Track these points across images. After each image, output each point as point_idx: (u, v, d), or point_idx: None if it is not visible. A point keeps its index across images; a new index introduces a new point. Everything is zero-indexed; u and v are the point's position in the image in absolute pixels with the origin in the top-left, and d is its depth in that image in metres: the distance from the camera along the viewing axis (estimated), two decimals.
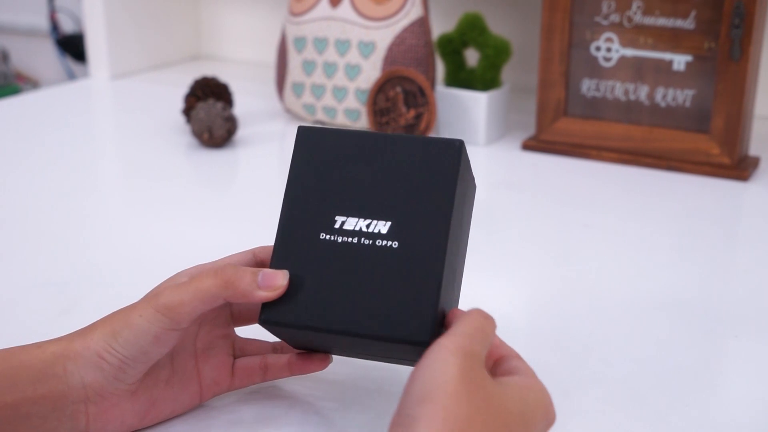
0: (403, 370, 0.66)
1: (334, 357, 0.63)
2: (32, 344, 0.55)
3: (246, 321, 0.61)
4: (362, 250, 0.55)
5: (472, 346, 0.47)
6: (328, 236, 0.56)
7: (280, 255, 0.56)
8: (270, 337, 0.63)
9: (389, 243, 0.55)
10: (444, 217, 0.55)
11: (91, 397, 0.54)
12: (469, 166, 0.59)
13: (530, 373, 0.52)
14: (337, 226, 0.56)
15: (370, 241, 0.55)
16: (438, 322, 0.54)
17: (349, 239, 0.55)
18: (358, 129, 0.58)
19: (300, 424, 0.59)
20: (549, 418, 0.49)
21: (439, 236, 0.54)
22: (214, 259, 0.60)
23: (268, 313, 0.55)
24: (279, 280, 0.55)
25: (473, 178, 0.61)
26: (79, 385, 0.53)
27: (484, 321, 0.51)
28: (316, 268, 0.55)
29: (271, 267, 0.56)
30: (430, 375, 0.44)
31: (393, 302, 0.53)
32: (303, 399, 0.62)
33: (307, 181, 0.58)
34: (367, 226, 0.55)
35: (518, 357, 0.53)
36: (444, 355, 0.46)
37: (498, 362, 0.53)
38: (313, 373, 0.63)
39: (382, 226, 0.55)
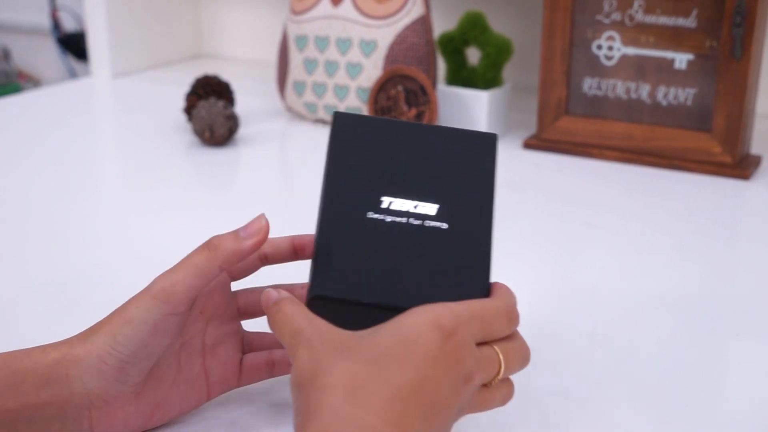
0: None
1: None
2: (34, 348, 0.54)
3: (253, 314, 0.61)
4: (412, 230, 0.56)
5: (302, 335, 0.49)
6: (376, 216, 0.56)
7: (327, 232, 0.56)
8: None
9: (439, 224, 0.56)
10: (488, 202, 0.57)
11: (95, 402, 0.53)
12: None
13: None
14: (384, 206, 0.57)
15: (420, 222, 0.56)
16: None
17: (398, 219, 0.56)
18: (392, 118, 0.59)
19: None
20: (443, 329, 0.48)
21: (484, 220, 0.56)
22: None
23: (320, 288, 0.54)
24: (258, 222, 0.55)
25: None
26: (81, 391, 0.53)
27: (282, 316, 0.52)
28: (366, 245, 0.55)
29: (316, 243, 0.55)
30: (292, 377, 0.48)
31: (446, 281, 0.54)
32: None
33: (348, 164, 0.58)
34: (415, 208, 0.57)
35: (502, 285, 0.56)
36: (292, 359, 0.49)
37: None
38: None
39: (430, 208, 0.57)
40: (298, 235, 0.60)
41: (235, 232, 0.55)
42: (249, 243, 0.55)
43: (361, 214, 0.56)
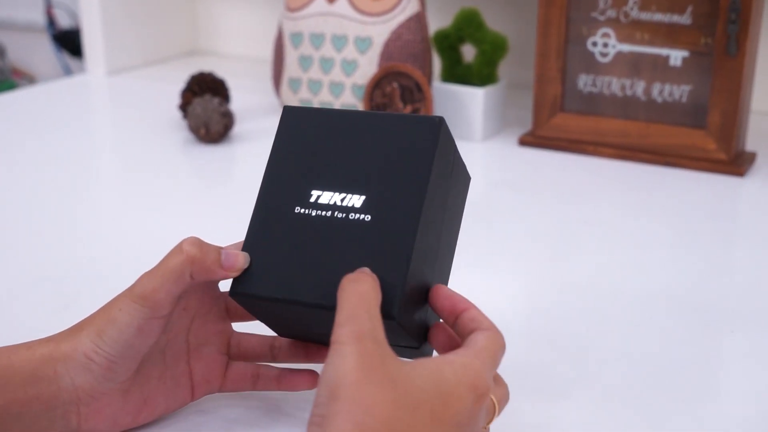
0: None
1: None
2: (20, 345, 0.54)
3: (243, 317, 0.61)
4: (335, 224, 0.55)
5: (361, 326, 0.46)
6: (302, 210, 0.56)
7: (255, 229, 0.56)
8: (269, 331, 0.63)
9: (362, 216, 0.54)
10: (419, 190, 0.54)
11: (83, 399, 0.54)
12: (454, 149, 0.58)
13: (486, 324, 0.52)
14: (312, 200, 0.56)
15: (344, 215, 0.55)
16: (410, 297, 0.53)
17: (323, 213, 0.55)
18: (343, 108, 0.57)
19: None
20: (477, 391, 0.48)
21: (412, 209, 0.54)
22: None
23: (237, 285, 0.55)
24: (240, 262, 0.55)
25: (464, 167, 0.61)
26: (69, 387, 0.53)
27: (360, 290, 0.48)
28: (289, 241, 0.55)
29: (245, 240, 0.56)
30: (332, 371, 0.44)
31: None
32: (285, 407, 0.62)
33: (287, 157, 0.58)
34: (342, 200, 0.55)
35: (474, 307, 0.53)
36: (337, 348, 0.45)
37: (459, 318, 0.53)
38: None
39: (356, 200, 0.55)
40: None
41: (218, 255, 0.54)
42: (222, 274, 0.55)
43: (289, 210, 0.56)
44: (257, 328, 0.63)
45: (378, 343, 0.46)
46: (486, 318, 0.53)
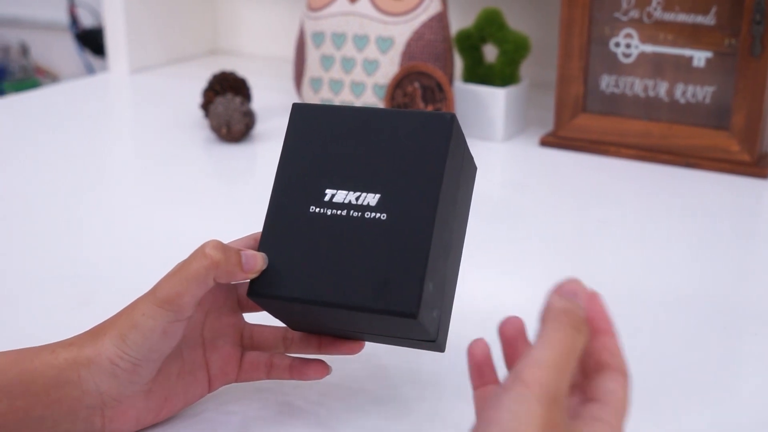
0: (401, 375, 0.66)
1: (338, 358, 0.64)
2: (43, 347, 0.55)
3: (255, 307, 0.61)
4: (351, 223, 0.55)
5: (558, 387, 0.41)
6: (317, 209, 0.56)
7: (270, 229, 0.56)
8: (280, 323, 0.63)
9: (378, 215, 0.55)
10: (433, 188, 0.54)
11: (107, 402, 0.54)
12: (464, 143, 0.58)
13: (620, 364, 0.46)
14: (326, 199, 0.56)
15: (359, 214, 0.55)
16: (428, 294, 0.53)
17: (339, 212, 0.55)
18: (354, 105, 0.57)
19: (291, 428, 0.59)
20: None
21: (427, 207, 0.54)
22: None
23: (256, 286, 0.55)
24: (259, 264, 0.55)
25: (472, 158, 0.60)
26: (94, 392, 0.53)
27: (575, 337, 0.43)
28: (305, 240, 0.55)
29: (261, 240, 0.56)
30: (512, 425, 0.39)
31: (380, 273, 0.53)
32: (294, 403, 0.62)
33: (299, 156, 0.58)
34: (357, 199, 0.55)
35: (615, 334, 0.47)
36: (529, 401, 0.40)
37: (594, 370, 0.46)
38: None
39: (371, 199, 0.55)
40: None
41: (239, 258, 0.54)
42: (244, 276, 0.55)
43: (303, 209, 0.56)
44: (269, 319, 0.63)
45: (564, 410, 0.41)
46: (621, 353, 0.47)
